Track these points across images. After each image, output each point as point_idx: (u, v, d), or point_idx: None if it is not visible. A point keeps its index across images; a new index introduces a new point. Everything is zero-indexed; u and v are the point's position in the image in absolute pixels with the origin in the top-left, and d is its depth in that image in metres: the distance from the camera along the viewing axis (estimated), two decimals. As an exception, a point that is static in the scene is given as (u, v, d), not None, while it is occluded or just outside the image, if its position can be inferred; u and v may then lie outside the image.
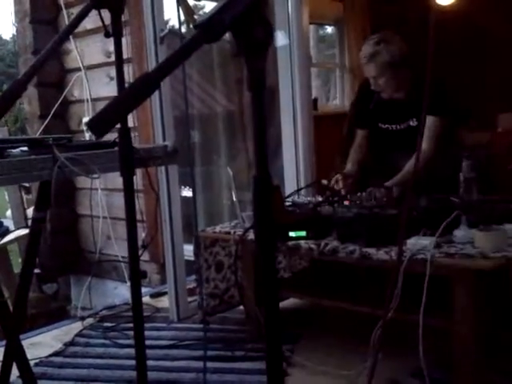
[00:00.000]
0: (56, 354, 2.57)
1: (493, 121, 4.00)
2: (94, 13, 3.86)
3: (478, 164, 2.50)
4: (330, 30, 7.02)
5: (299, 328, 2.65)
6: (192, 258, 2.70)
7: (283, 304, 2.87)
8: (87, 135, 3.77)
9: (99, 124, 0.71)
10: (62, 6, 3.79)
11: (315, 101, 5.36)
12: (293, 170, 3.13)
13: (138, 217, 3.75)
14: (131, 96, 0.73)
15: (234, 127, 4.31)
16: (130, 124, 3.61)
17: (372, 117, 2.98)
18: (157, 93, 2.63)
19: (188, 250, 2.89)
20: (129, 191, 1.23)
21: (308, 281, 2.77)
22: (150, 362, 2.37)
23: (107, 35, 1.39)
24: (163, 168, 2.75)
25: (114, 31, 1.35)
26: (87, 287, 3.95)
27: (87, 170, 1.40)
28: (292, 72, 3.40)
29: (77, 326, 2.88)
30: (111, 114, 0.71)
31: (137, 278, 1.25)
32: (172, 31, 2.61)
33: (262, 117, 0.75)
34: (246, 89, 0.76)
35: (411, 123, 2.89)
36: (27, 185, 4.31)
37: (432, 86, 2.78)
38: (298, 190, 2.66)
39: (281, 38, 3.67)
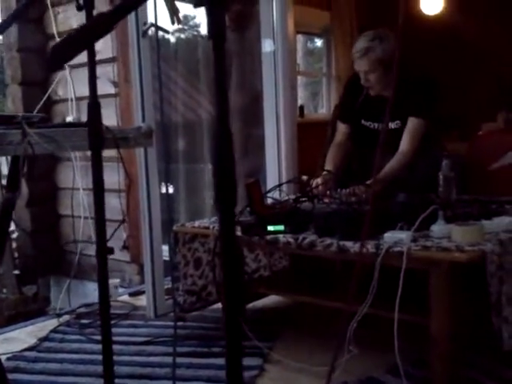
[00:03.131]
0: (30, 348, 2.53)
1: (477, 131, 4.03)
2: (77, 11, 3.86)
3: (457, 164, 2.52)
4: (319, 43, 7.05)
5: (278, 326, 2.64)
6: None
7: (263, 302, 2.86)
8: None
9: (56, 55, 0.70)
10: (49, 5, 3.78)
11: (301, 108, 5.38)
12: (275, 169, 3.13)
13: (120, 217, 3.77)
14: (87, 32, 0.72)
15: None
16: (114, 123, 3.62)
17: (357, 112, 2.97)
18: (137, 78, 2.62)
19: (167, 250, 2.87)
20: (97, 166, 1.22)
21: (287, 278, 2.75)
22: (124, 358, 2.39)
23: (79, 8, 1.37)
24: (143, 164, 2.73)
25: (86, 3, 1.33)
26: (67, 288, 3.91)
27: (58, 147, 1.38)
28: (276, 75, 3.40)
29: (53, 323, 2.84)
30: (69, 46, 0.70)
31: (104, 256, 1.23)
32: (154, 25, 2.61)
33: (221, 68, 0.74)
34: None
35: (394, 125, 2.90)
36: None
37: (420, 89, 2.82)
38: (279, 186, 2.65)
39: (267, 45, 3.69)
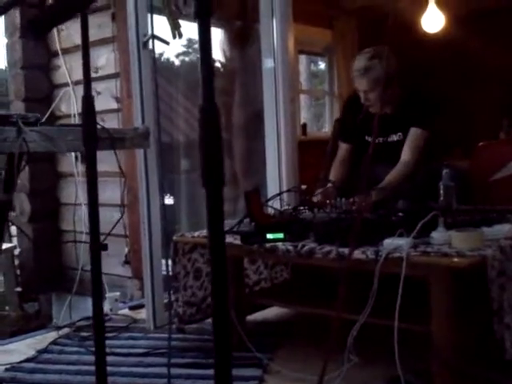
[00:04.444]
0: (28, 360, 2.51)
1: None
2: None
3: (459, 176, 2.51)
4: (322, 66, 7.12)
5: (279, 337, 2.61)
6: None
7: (264, 314, 2.84)
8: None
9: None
10: (53, 22, 3.82)
11: (304, 126, 5.41)
12: (275, 181, 3.13)
13: (122, 231, 3.76)
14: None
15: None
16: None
17: (358, 130, 2.99)
18: (137, 80, 2.62)
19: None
20: (91, 162, 1.21)
21: (287, 290, 2.73)
22: (123, 369, 2.38)
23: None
24: (143, 175, 2.73)
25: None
26: (68, 305, 3.88)
27: (54, 146, 1.38)
28: (276, 89, 3.40)
29: (52, 336, 2.82)
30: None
31: (97, 253, 1.23)
32: (155, 36, 2.64)
33: (208, 46, 0.74)
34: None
35: (396, 137, 2.91)
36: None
37: (421, 101, 2.84)
38: (278, 195, 2.64)
39: (268, 61, 3.71)
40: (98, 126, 1.35)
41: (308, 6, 5.02)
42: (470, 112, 4.77)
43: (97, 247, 1.23)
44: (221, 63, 4.77)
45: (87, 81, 1.23)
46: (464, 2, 4.82)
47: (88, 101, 1.22)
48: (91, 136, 1.19)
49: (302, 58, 8.56)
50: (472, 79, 4.84)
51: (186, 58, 8.59)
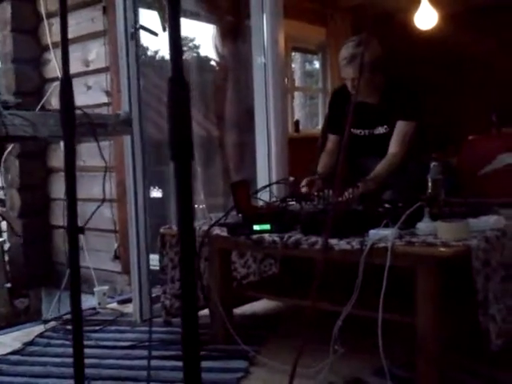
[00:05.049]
0: (14, 352, 2.50)
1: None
2: (73, 22, 3.90)
3: (447, 168, 2.51)
4: (317, 65, 7.12)
5: (267, 330, 2.61)
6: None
7: (252, 308, 2.83)
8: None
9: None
10: (43, 16, 3.82)
11: (297, 123, 5.40)
12: (265, 174, 3.11)
13: (112, 227, 3.74)
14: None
15: (212, 136, 4.34)
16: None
17: (345, 121, 2.97)
18: (125, 71, 2.61)
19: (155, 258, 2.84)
20: (69, 146, 1.20)
21: (275, 282, 2.73)
22: (110, 361, 2.37)
23: None
24: (130, 168, 2.71)
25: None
26: (57, 300, 3.86)
27: (34, 130, 1.37)
28: (267, 86, 3.38)
29: (39, 329, 2.81)
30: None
31: (74, 236, 1.22)
32: (143, 27, 2.63)
33: (177, 17, 0.73)
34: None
35: (383, 130, 2.90)
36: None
37: (406, 92, 2.84)
38: (266, 187, 2.63)
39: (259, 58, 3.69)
40: (79, 111, 1.34)
41: (303, 3, 5.03)
42: (462, 109, 4.78)
43: (74, 230, 1.22)
44: (213, 59, 4.77)
45: (65, 61, 1.21)
46: (455, 0, 4.84)
47: (66, 83, 1.21)
48: (69, 119, 1.18)
49: (297, 57, 8.57)
50: (464, 75, 4.86)
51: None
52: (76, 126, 1.33)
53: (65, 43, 1.25)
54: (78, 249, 1.29)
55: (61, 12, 1.18)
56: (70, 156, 1.17)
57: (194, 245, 0.85)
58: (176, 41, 0.74)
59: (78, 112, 1.44)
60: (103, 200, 1.65)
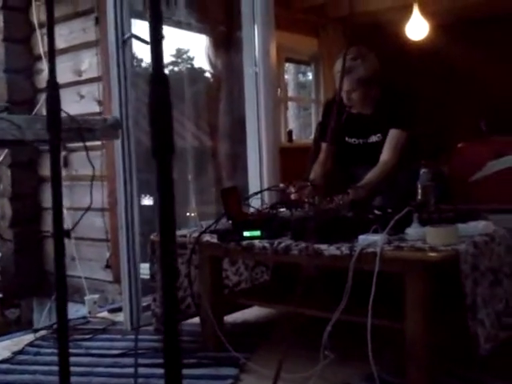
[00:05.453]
0: (3, 361, 2.48)
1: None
2: (66, 31, 3.90)
3: (436, 174, 2.52)
4: (311, 76, 7.16)
5: (258, 337, 2.60)
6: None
7: (244, 315, 2.82)
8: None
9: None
10: (36, 26, 3.83)
11: (290, 133, 5.42)
12: (257, 181, 3.13)
13: (104, 236, 3.73)
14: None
15: (205, 145, 4.35)
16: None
17: (339, 131, 2.99)
18: (115, 75, 2.62)
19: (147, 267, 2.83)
20: (55, 149, 1.20)
21: (267, 289, 2.72)
22: (99, 369, 2.36)
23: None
24: (121, 176, 2.71)
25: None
26: (48, 310, 3.85)
27: (22, 134, 1.37)
28: (258, 97, 3.39)
29: (29, 338, 2.79)
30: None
31: (60, 238, 1.21)
32: (134, 36, 2.64)
33: (158, 13, 0.74)
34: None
35: (376, 138, 2.92)
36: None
37: (398, 101, 2.86)
38: (256, 193, 2.63)
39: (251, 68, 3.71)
40: (65, 115, 1.34)
41: (295, 14, 5.07)
42: (453, 117, 4.83)
43: (60, 233, 1.21)
44: (207, 70, 4.79)
45: (52, 64, 1.22)
46: (446, 12, 4.90)
47: (52, 86, 1.21)
48: (55, 121, 1.18)
49: (290, 68, 8.61)
50: (454, 85, 4.91)
51: (175, 68, 8.63)
52: (63, 130, 1.34)
53: (51, 46, 1.25)
54: (64, 250, 1.29)
55: (48, 27, 1.19)
56: (55, 155, 1.17)
57: (175, 241, 0.85)
58: (156, 36, 0.74)
59: (65, 116, 1.45)
60: (88, 207, 1.65)
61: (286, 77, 6.76)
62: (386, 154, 2.80)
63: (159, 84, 0.74)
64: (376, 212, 2.18)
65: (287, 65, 7.12)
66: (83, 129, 1.46)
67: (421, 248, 1.88)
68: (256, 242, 2.19)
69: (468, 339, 1.87)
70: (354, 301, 1.94)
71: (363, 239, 1.97)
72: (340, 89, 2.76)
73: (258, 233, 2.21)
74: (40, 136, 1.44)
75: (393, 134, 2.81)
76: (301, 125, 8.03)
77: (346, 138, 3.02)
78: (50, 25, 1.19)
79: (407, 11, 4.87)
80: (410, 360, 1.92)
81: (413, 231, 2.01)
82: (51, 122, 1.19)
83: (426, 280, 1.86)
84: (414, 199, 2.40)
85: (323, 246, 2.02)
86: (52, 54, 1.25)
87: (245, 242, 2.21)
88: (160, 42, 0.75)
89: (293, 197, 2.51)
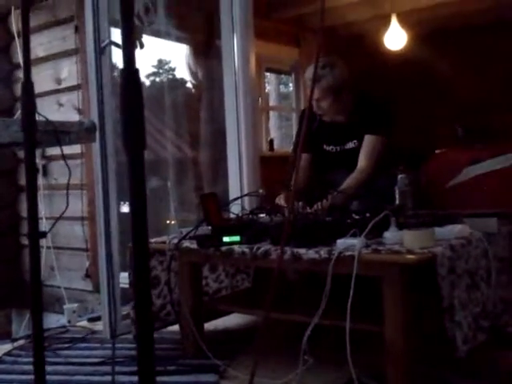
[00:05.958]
0: (-21, 371, 2.44)
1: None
2: (45, 40, 3.88)
3: (414, 179, 2.55)
4: (292, 87, 7.21)
5: (239, 344, 2.58)
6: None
7: (224, 322, 2.81)
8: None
9: None
10: (15, 35, 3.82)
11: (271, 142, 5.44)
12: (237, 191, 3.13)
13: (83, 245, 3.70)
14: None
15: (186, 154, 4.36)
16: (78, 149, 3.59)
17: (315, 140, 3.02)
18: (94, 82, 2.61)
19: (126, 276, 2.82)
20: (30, 151, 1.20)
21: (247, 296, 2.72)
22: (78, 377, 2.34)
23: None
24: (100, 184, 2.70)
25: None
26: (27, 321, 3.80)
27: (-4, 136, 1.37)
28: (238, 106, 3.39)
29: (7, 347, 2.75)
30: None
31: (35, 240, 1.21)
32: (113, 43, 2.63)
33: (129, 10, 0.74)
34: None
35: (352, 144, 2.95)
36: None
37: (374, 108, 2.89)
38: (236, 199, 2.64)
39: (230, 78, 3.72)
40: (42, 118, 1.34)
41: (276, 24, 5.10)
42: (430, 124, 4.90)
43: (35, 234, 1.21)
44: (187, 80, 4.80)
45: (27, 67, 1.22)
46: (423, 22, 4.99)
47: (27, 88, 1.21)
48: (30, 123, 1.18)
49: (272, 79, 8.66)
50: (430, 92, 4.99)
51: (157, 79, 8.65)
52: (39, 131, 1.34)
53: (26, 43, 1.25)
54: (40, 251, 1.28)
55: (23, 33, 1.19)
56: (31, 155, 1.17)
57: (147, 235, 0.85)
58: (127, 32, 0.75)
59: (41, 120, 1.45)
60: (62, 214, 1.63)
61: (267, 87, 6.80)
62: (362, 161, 2.83)
63: (130, 79, 0.75)
64: (354, 216, 2.19)
65: (269, 75, 7.17)
66: (59, 131, 1.46)
67: (398, 251, 1.90)
68: (235, 247, 2.20)
69: (446, 341, 1.89)
70: (332, 305, 1.95)
71: (341, 243, 1.98)
72: (311, 97, 2.79)
73: (237, 238, 2.21)
74: (16, 139, 1.43)
75: (368, 140, 2.84)
76: (282, 134, 8.08)
77: (324, 146, 3.05)
78: (25, 16, 1.19)
79: (386, 22, 4.93)
80: (390, 362, 1.93)
81: (390, 235, 2.03)
82: (26, 121, 1.18)
83: (404, 283, 1.88)
84: (392, 203, 2.43)
85: (302, 250, 2.03)
86: (27, 52, 1.25)
87: (224, 248, 2.21)
88: (131, 33, 0.75)
89: (281, 202, 2.52)
